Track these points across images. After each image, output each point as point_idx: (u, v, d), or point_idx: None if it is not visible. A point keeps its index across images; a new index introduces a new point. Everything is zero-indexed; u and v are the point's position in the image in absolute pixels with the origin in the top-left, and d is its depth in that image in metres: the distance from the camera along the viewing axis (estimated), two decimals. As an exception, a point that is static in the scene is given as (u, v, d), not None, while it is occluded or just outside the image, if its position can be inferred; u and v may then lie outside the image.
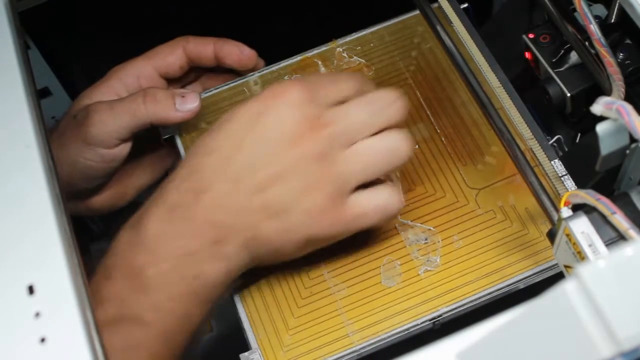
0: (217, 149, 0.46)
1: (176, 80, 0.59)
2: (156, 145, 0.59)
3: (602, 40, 0.44)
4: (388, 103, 0.47)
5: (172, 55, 0.57)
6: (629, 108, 0.37)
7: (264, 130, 0.45)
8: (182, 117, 0.54)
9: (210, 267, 0.45)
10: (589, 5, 0.45)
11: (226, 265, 0.46)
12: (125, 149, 0.55)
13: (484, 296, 0.49)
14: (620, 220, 0.37)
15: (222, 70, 0.60)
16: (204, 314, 0.46)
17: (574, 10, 0.52)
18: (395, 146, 0.47)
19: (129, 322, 0.44)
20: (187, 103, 0.54)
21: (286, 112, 0.45)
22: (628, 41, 0.50)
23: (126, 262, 0.45)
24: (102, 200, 0.59)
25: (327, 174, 0.45)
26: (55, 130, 0.56)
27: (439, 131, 0.56)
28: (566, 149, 0.59)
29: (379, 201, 0.47)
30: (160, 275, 0.44)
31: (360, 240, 0.52)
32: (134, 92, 0.55)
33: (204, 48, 0.57)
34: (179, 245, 0.45)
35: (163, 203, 0.46)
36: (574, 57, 0.53)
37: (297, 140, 0.45)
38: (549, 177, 0.51)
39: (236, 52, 0.57)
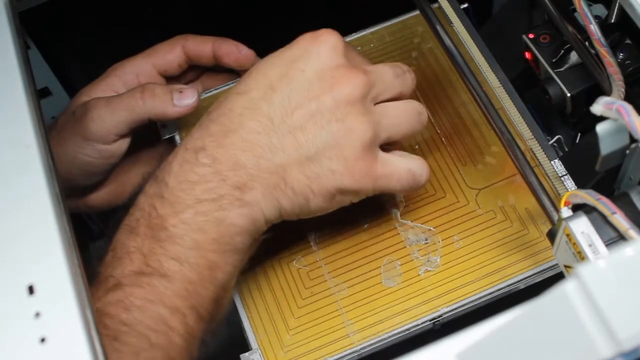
0: (249, 90, 0.45)
1: (175, 79, 0.59)
2: (155, 143, 0.59)
3: (602, 40, 0.44)
4: (405, 70, 0.49)
5: (171, 54, 0.57)
6: (629, 108, 0.37)
7: (300, 71, 0.45)
8: (180, 112, 0.54)
9: (233, 213, 0.44)
10: (589, 5, 0.45)
11: (250, 212, 0.44)
12: (123, 145, 0.55)
13: (484, 296, 0.49)
14: (620, 220, 0.37)
15: (222, 70, 0.60)
16: (228, 270, 0.45)
17: (574, 10, 0.52)
18: (417, 110, 0.48)
19: (151, 276, 0.42)
20: (184, 98, 0.54)
21: (325, 54, 0.45)
22: (628, 41, 0.50)
23: (149, 214, 0.44)
24: (100, 197, 0.59)
25: (362, 120, 0.45)
26: (54, 127, 0.56)
27: (439, 131, 0.56)
28: (566, 149, 0.59)
29: (411, 166, 0.47)
30: (182, 223, 0.43)
31: (360, 240, 0.52)
32: (132, 88, 0.55)
33: (203, 47, 0.57)
34: (202, 190, 0.43)
35: (187, 149, 0.45)
36: (574, 57, 0.53)
37: (335, 82, 0.45)
38: (549, 177, 0.51)
39: (234, 52, 0.57)
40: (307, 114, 0.44)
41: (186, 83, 0.61)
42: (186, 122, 0.57)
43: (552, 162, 0.52)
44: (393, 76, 0.48)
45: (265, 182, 0.44)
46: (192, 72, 0.60)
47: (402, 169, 0.47)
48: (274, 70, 0.46)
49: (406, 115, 0.47)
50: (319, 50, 0.45)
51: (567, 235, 0.40)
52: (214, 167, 0.44)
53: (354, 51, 0.48)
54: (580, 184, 0.51)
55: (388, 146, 0.48)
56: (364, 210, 0.52)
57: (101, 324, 0.40)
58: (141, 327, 0.41)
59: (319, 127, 0.44)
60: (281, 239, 0.52)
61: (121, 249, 0.44)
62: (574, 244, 0.39)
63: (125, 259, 0.43)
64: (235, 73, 0.60)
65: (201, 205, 0.43)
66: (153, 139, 0.59)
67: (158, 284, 0.42)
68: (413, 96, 0.56)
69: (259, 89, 0.45)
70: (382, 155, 0.47)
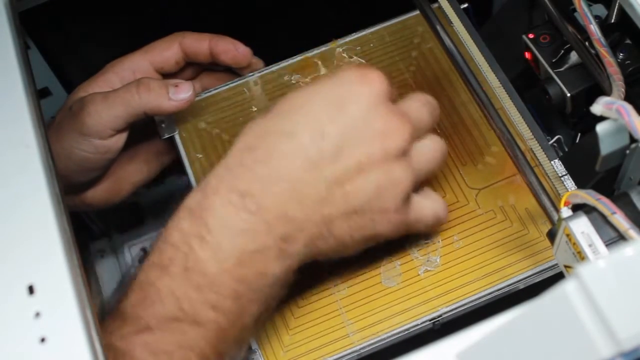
0: (296, 132, 0.43)
1: (173, 77, 0.59)
2: (153, 141, 0.59)
3: (602, 40, 0.44)
4: (435, 106, 0.48)
5: (169, 50, 0.58)
6: (629, 108, 0.37)
7: (351, 119, 0.43)
8: (176, 106, 0.54)
9: (276, 266, 0.42)
10: (589, 5, 0.45)
11: (290, 264, 0.43)
12: (120, 140, 0.55)
13: (484, 296, 0.49)
14: (620, 220, 0.37)
15: (221, 70, 0.60)
16: (256, 314, 0.43)
17: (574, 10, 0.52)
18: (442, 147, 0.47)
19: (184, 322, 0.41)
20: (180, 92, 0.53)
21: (374, 102, 0.43)
22: (628, 41, 0.50)
23: (186, 254, 0.41)
24: (98, 194, 0.59)
25: (407, 171, 0.44)
26: (51, 124, 0.56)
27: (439, 131, 0.56)
28: (566, 149, 0.59)
29: (437, 210, 0.48)
30: (222, 271, 0.41)
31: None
32: (128, 83, 0.55)
33: (200, 44, 0.57)
34: (247, 241, 0.41)
35: (231, 189, 0.42)
36: (574, 57, 0.53)
37: (385, 133, 0.43)
38: (549, 177, 0.51)
39: (231, 49, 0.57)
40: (356, 165, 0.43)
41: (185, 82, 0.61)
42: (185, 121, 0.57)
43: (552, 162, 0.52)
44: (428, 114, 0.47)
45: (310, 233, 0.43)
46: (190, 71, 0.60)
47: (430, 214, 0.48)
48: (321, 112, 0.43)
49: (436, 154, 0.47)
50: (369, 94, 0.43)
51: (567, 235, 0.40)
52: (261, 215, 0.42)
53: (392, 88, 0.46)
54: (580, 184, 0.51)
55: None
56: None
57: None
58: None
59: (367, 180, 0.43)
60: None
61: (150, 289, 0.41)
62: (574, 244, 0.39)
63: (157, 301, 0.41)
64: (234, 73, 0.60)
65: (245, 256, 0.41)
66: (151, 136, 0.59)
67: (189, 330, 0.41)
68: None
69: (308, 134, 0.43)
70: (415, 200, 0.46)
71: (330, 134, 0.42)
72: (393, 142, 0.43)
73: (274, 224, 0.42)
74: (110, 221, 0.68)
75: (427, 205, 0.48)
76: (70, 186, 0.56)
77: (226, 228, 0.41)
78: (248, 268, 0.42)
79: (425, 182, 0.51)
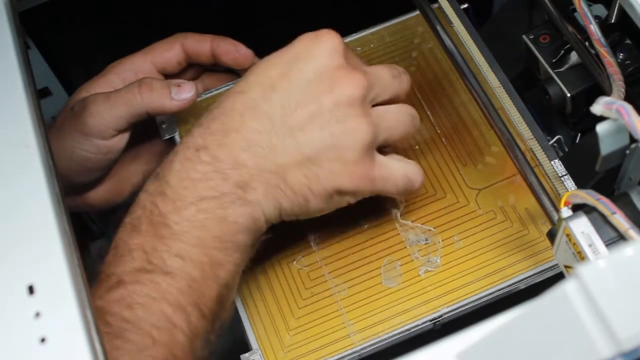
0: (249, 89, 0.45)
1: (175, 78, 0.59)
2: (154, 142, 0.59)
3: (602, 40, 0.44)
4: (401, 72, 0.49)
5: (170, 51, 0.58)
6: (629, 108, 0.37)
7: (300, 71, 0.45)
8: (179, 106, 0.54)
9: (235, 211, 0.44)
10: (589, 5, 0.45)
11: (251, 211, 0.44)
12: (121, 141, 0.55)
13: (484, 296, 0.49)
14: (620, 220, 0.37)
15: (222, 70, 0.60)
16: (230, 268, 0.44)
17: (574, 10, 0.52)
18: (411, 114, 0.49)
19: (154, 273, 0.42)
20: (182, 92, 0.54)
21: (326, 54, 0.45)
22: (628, 41, 0.50)
23: (151, 211, 0.44)
24: (99, 195, 0.59)
25: (362, 122, 0.45)
26: (52, 125, 0.56)
27: (439, 131, 0.56)
28: (566, 149, 0.59)
29: (407, 170, 0.48)
30: (184, 220, 0.43)
31: (360, 240, 0.52)
32: (130, 83, 0.55)
33: (202, 45, 0.57)
34: (203, 188, 0.43)
35: (188, 147, 0.45)
36: (574, 57, 0.53)
37: (335, 82, 0.45)
38: (549, 177, 0.51)
39: (233, 51, 0.57)
40: (307, 114, 0.45)
41: (186, 82, 0.61)
42: (186, 122, 0.57)
43: (552, 162, 0.52)
44: (390, 77, 0.48)
45: (266, 182, 0.44)
46: (192, 71, 0.60)
47: (399, 173, 0.48)
48: (274, 69, 0.46)
49: (402, 118, 0.48)
50: (319, 51, 0.45)
51: (567, 235, 0.40)
52: (215, 165, 0.44)
53: (352, 53, 0.48)
54: (580, 184, 0.51)
55: (384, 149, 0.48)
56: (364, 211, 0.52)
57: (103, 322, 0.40)
58: (144, 324, 0.41)
59: (318, 128, 0.45)
60: (281, 240, 0.52)
61: (123, 247, 0.43)
62: (574, 244, 0.39)
63: (127, 256, 0.43)
64: (235, 73, 0.60)
65: (203, 203, 0.43)
66: (152, 137, 0.59)
67: (161, 281, 0.42)
68: (412, 96, 0.57)
69: (260, 89, 0.45)
70: (380, 158, 0.47)
71: (281, 87, 0.45)
72: (342, 91, 0.45)
73: (228, 172, 0.44)
74: (110, 221, 0.68)
75: (396, 164, 0.48)
76: (71, 187, 0.56)
77: (184, 180, 0.44)
78: (207, 214, 0.43)
79: (425, 180, 0.51)
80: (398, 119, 0.48)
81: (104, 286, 0.42)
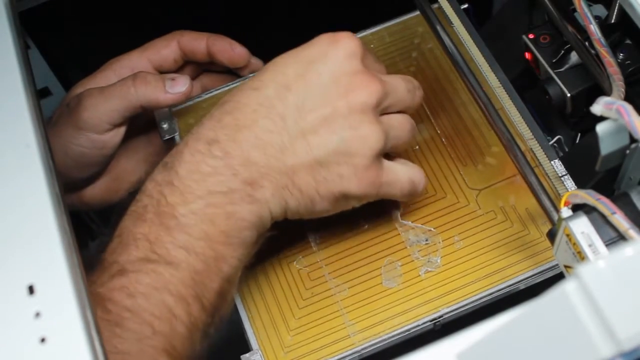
0: (264, 86, 0.45)
1: None
2: (152, 140, 0.59)
3: (602, 40, 0.44)
4: (416, 87, 0.49)
5: (167, 49, 0.58)
6: (629, 108, 0.37)
7: (317, 74, 0.45)
8: (173, 99, 0.54)
9: (243, 208, 0.44)
10: (589, 6, 0.45)
11: (258, 209, 0.44)
12: (116, 136, 0.55)
13: (484, 297, 0.49)
14: (620, 220, 0.37)
15: (222, 71, 0.60)
16: (234, 263, 0.45)
17: (574, 10, 0.52)
18: (412, 124, 0.49)
19: (157, 263, 0.42)
20: (177, 86, 0.54)
21: (343, 58, 0.45)
22: (628, 41, 0.50)
23: (158, 201, 0.44)
24: (96, 193, 0.59)
25: (375, 129, 0.45)
26: (49, 122, 0.56)
27: (439, 132, 0.56)
28: (566, 149, 0.59)
29: (412, 175, 0.49)
30: (192, 213, 0.43)
31: (361, 241, 0.52)
32: (124, 77, 0.55)
33: (198, 43, 0.58)
34: (213, 183, 0.43)
35: (199, 139, 0.44)
36: (574, 57, 0.53)
37: (351, 88, 0.45)
38: (549, 177, 0.51)
39: (228, 49, 0.57)
40: (320, 117, 0.44)
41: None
42: (186, 122, 0.57)
43: (552, 162, 0.52)
44: (406, 91, 0.48)
45: (275, 181, 0.44)
46: (189, 71, 0.60)
47: (404, 178, 0.48)
48: (290, 69, 0.45)
49: (407, 127, 0.48)
50: (337, 54, 0.45)
51: (567, 235, 0.40)
52: (226, 160, 0.44)
53: (372, 56, 0.48)
54: (580, 184, 0.51)
55: (389, 155, 0.49)
56: (364, 212, 0.52)
57: (104, 310, 0.40)
58: (145, 313, 0.41)
59: (330, 132, 0.45)
60: (282, 240, 0.52)
61: (127, 235, 0.43)
62: (574, 244, 0.39)
63: (131, 245, 0.43)
64: (234, 74, 0.60)
65: (212, 197, 0.43)
66: (150, 136, 0.59)
67: (164, 272, 0.42)
68: None
69: (274, 87, 0.45)
70: (387, 163, 0.47)
71: (296, 87, 0.45)
72: (358, 96, 0.45)
73: (238, 169, 0.44)
74: (110, 220, 0.68)
75: (401, 169, 0.48)
76: (67, 183, 0.56)
77: (194, 173, 0.44)
78: (215, 209, 0.43)
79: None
80: (405, 127, 0.48)
81: (106, 274, 0.42)
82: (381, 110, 0.46)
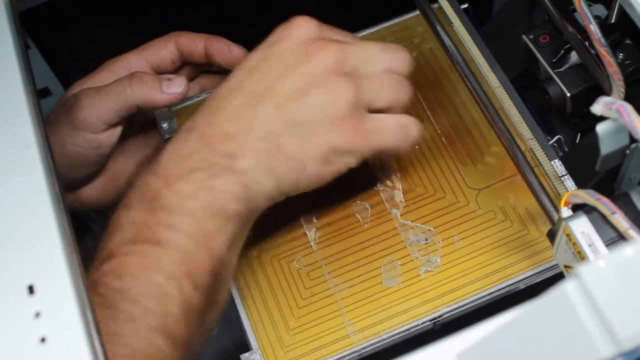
0: (232, 76, 0.47)
1: None
2: (150, 140, 0.59)
3: (602, 40, 0.44)
4: (397, 49, 0.49)
5: (165, 49, 0.58)
6: (629, 108, 0.37)
7: (278, 52, 0.47)
8: (169, 99, 0.54)
9: (224, 180, 0.44)
10: (589, 5, 0.45)
11: (241, 180, 0.44)
12: (112, 136, 0.55)
13: (484, 296, 0.49)
14: (620, 220, 0.37)
15: (221, 72, 0.60)
16: (223, 239, 0.44)
17: (574, 10, 0.52)
18: (399, 80, 0.49)
19: (144, 244, 0.43)
20: (173, 86, 0.54)
21: (299, 33, 0.47)
22: (628, 41, 0.50)
23: (141, 188, 0.45)
24: (92, 193, 0.59)
25: (342, 82, 0.46)
26: (46, 121, 0.56)
27: (439, 131, 0.56)
28: (566, 149, 0.59)
29: (401, 121, 0.48)
30: (174, 193, 0.44)
31: (360, 240, 0.52)
32: (121, 77, 0.55)
33: (195, 43, 0.58)
34: (193, 161, 0.44)
35: (180, 131, 0.46)
36: (574, 57, 0.53)
37: (309, 53, 0.46)
38: (549, 177, 0.51)
39: (225, 50, 0.57)
40: (288, 84, 0.46)
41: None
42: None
43: (552, 162, 0.52)
44: (377, 49, 0.48)
45: (255, 149, 0.45)
46: (187, 72, 0.60)
47: (392, 123, 0.48)
48: (254, 56, 0.47)
49: (386, 82, 0.48)
50: (293, 32, 0.47)
51: (567, 235, 0.40)
52: (204, 141, 0.45)
53: (332, 30, 0.49)
54: (580, 184, 0.51)
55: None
56: (364, 211, 0.52)
57: (96, 294, 0.40)
58: (135, 293, 0.41)
59: (302, 95, 0.46)
60: (281, 239, 0.52)
61: (115, 223, 0.44)
62: (574, 244, 0.39)
63: (118, 230, 0.43)
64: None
65: (192, 175, 0.44)
66: (148, 137, 0.59)
67: (151, 251, 0.42)
68: (413, 96, 0.56)
69: (242, 73, 0.47)
70: (371, 114, 0.47)
71: (260, 67, 0.47)
72: (318, 59, 0.46)
73: (216, 145, 0.45)
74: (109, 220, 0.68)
75: (388, 117, 0.48)
76: (64, 184, 0.56)
77: (174, 158, 0.45)
78: (195, 184, 0.44)
79: (425, 180, 0.51)
80: (382, 82, 0.48)
81: (97, 262, 0.43)
82: (351, 70, 0.47)
